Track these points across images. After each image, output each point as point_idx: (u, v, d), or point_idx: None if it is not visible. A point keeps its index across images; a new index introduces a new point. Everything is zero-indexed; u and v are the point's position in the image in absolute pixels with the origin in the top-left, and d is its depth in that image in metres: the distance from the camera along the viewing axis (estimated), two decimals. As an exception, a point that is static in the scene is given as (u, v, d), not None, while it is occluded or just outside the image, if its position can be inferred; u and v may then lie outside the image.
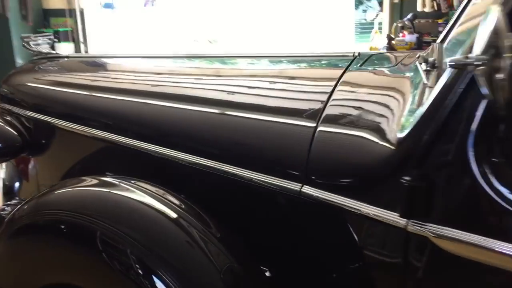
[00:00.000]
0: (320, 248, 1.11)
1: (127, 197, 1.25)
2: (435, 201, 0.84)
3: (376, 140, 1.02)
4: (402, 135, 0.93)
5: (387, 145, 0.97)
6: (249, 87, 1.59)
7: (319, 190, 1.03)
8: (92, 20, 6.96)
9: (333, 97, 1.26)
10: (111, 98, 1.63)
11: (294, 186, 1.07)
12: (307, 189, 1.05)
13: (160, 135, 1.41)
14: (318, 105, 1.22)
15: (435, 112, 0.85)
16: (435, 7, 5.71)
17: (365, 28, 10.13)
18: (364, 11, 11.02)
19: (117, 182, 1.31)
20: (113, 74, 2.00)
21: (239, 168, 1.17)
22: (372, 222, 0.94)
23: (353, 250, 1.02)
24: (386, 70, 1.66)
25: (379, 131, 1.04)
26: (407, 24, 5.62)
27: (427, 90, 1.09)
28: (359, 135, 1.07)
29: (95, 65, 2.17)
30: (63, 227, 1.23)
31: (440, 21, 5.67)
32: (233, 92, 1.51)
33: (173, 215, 1.19)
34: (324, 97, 1.26)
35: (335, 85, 1.36)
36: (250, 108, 1.38)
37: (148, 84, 1.71)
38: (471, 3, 1.69)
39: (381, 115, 1.13)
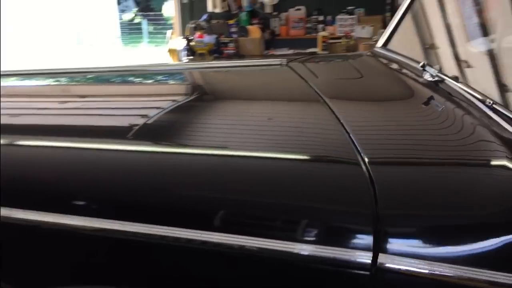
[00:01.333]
0: None
1: None
2: None
3: (490, 168, 0.81)
4: None
5: None
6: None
7: (409, 260, 0.68)
8: None
9: (340, 115, 0.99)
10: None
11: (361, 257, 0.70)
12: (386, 259, 0.70)
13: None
14: (333, 129, 0.95)
15: None
16: (226, 8, 5.77)
17: (132, 29, 9.60)
18: (123, 11, 10.49)
19: None
20: None
21: (249, 237, 0.75)
22: None
23: None
24: (363, 80, 1.48)
25: (481, 157, 0.83)
26: (203, 25, 5.51)
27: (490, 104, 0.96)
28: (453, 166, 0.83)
29: None
30: None
31: (231, 21, 5.74)
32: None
33: None
34: (327, 116, 1.00)
35: (321, 100, 1.11)
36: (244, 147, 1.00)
37: None
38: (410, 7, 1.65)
39: (465, 135, 0.93)
